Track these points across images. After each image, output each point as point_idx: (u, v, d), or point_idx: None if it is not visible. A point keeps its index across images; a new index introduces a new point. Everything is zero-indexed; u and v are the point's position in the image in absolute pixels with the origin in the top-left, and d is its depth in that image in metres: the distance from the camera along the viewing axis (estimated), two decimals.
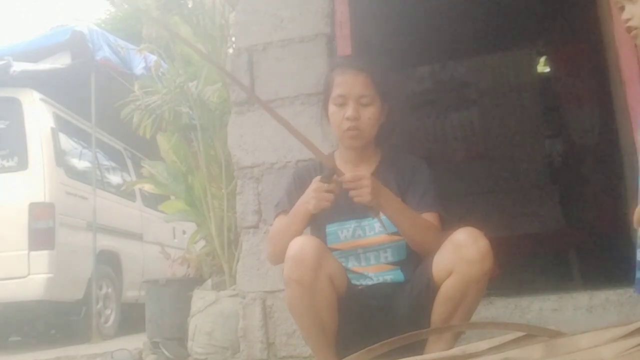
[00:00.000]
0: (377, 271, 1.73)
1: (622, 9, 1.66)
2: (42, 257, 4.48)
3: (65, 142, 5.17)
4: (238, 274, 2.68)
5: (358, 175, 1.57)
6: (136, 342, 3.77)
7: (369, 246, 1.73)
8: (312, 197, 1.58)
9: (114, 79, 4.95)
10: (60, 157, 4.90)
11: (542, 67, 5.89)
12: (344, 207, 1.65)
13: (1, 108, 4.81)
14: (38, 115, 4.83)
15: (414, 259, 1.72)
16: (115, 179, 6.03)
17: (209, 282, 3.18)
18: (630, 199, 2.89)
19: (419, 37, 4.47)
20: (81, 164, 5.40)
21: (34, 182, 4.60)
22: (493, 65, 5.25)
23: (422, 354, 1.23)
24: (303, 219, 1.65)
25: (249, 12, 2.81)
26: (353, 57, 2.44)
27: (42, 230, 4.52)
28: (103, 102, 4.83)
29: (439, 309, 1.57)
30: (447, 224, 1.70)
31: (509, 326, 1.08)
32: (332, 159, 1.68)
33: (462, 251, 1.52)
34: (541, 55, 5.62)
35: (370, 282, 1.72)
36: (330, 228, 1.75)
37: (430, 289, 1.58)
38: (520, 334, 1.02)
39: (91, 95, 5.13)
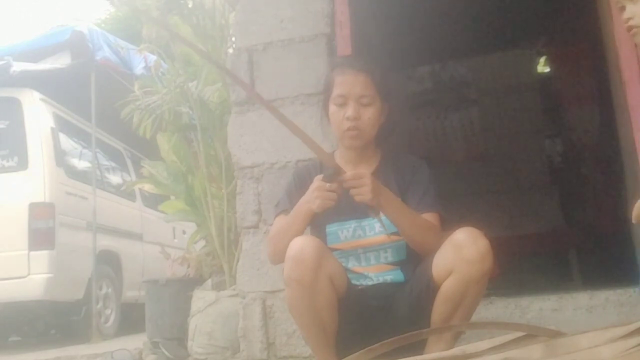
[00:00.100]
0: (377, 271, 1.73)
1: (623, 8, 1.66)
2: (42, 257, 4.48)
3: (65, 142, 5.17)
4: (238, 274, 2.68)
5: (359, 173, 1.57)
6: (136, 342, 3.77)
7: (369, 246, 1.73)
8: (315, 197, 1.57)
9: (114, 79, 4.95)
10: (60, 157, 4.90)
11: (542, 67, 5.89)
12: (344, 207, 1.65)
13: (1, 108, 4.81)
14: (38, 115, 4.83)
15: (414, 259, 1.72)
16: (115, 179, 6.03)
17: (209, 282, 3.18)
18: (631, 199, 2.89)
19: (419, 37, 4.47)
20: (81, 164, 5.40)
21: (34, 182, 4.60)
22: (493, 65, 5.25)
23: (422, 354, 1.23)
24: (305, 218, 1.64)
25: (249, 12, 2.81)
26: (353, 57, 2.44)
27: (42, 230, 4.52)
28: (103, 102, 4.83)
29: (438, 309, 1.57)
30: (447, 224, 1.70)
31: (509, 326, 1.08)
32: (333, 159, 1.69)
33: (462, 251, 1.52)
34: (541, 55, 5.62)
35: (370, 282, 1.72)
36: (331, 228, 1.75)
37: (430, 289, 1.58)
38: (520, 334, 1.02)
39: (91, 95, 5.13)
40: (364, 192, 1.54)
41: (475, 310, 1.62)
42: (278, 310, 2.54)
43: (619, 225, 3.53)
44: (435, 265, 1.58)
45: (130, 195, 6.06)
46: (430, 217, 1.70)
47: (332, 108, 1.76)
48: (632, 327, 0.96)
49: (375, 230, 1.72)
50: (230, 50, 3.31)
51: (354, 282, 1.70)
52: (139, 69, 5.16)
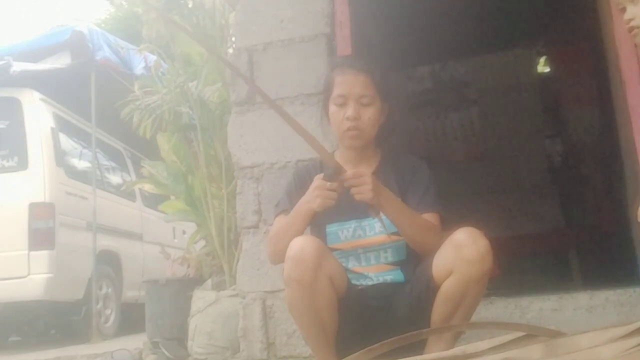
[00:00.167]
0: (377, 271, 1.73)
1: (624, 10, 1.66)
2: (42, 257, 4.48)
3: (65, 142, 5.17)
4: (238, 274, 2.68)
5: (359, 172, 1.57)
6: (136, 342, 3.77)
7: (369, 246, 1.73)
8: (316, 196, 1.57)
9: (114, 79, 4.95)
10: (60, 157, 4.90)
11: (542, 67, 5.89)
12: (344, 207, 1.65)
13: (1, 108, 4.81)
14: (38, 115, 4.83)
15: (414, 259, 1.72)
16: (115, 179, 6.03)
17: (209, 282, 3.18)
18: (631, 199, 2.90)
19: (419, 37, 4.47)
20: (81, 164, 5.40)
21: (34, 182, 4.60)
22: (493, 65, 5.25)
23: (422, 354, 1.23)
24: (305, 218, 1.64)
25: (249, 12, 2.81)
26: (353, 57, 2.44)
27: (42, 230, 4.52)
28: (103, 102, 4.83)
29: (438, 309, 1.57)
30: (447, 224, 1.70)
31: (509, 326, 1.08)
32: (334, 158, 1.69)
33: (462, 251, 1.52)
34: (541, 55, 5.62)
35: (370, 282, 1.72)
36: (331, 228, 1.75)
37: (430, 289, 1.58)
38: (520, 334, 1.02)
39: (91, 95, 5.13)
40: (364, 191, 1.54)
41: (475, 310, 1.62)
42: (278, 310, 2.54)
43: (619, 225, 3.53)
44: (435, 265, 1.58)
45: (130, 195, 6.06)
46: (430, 217, 1.70)
47: (332, 108, 1.76)
48: (632, 327, 0.97)
49: (375, 230, 1.72)
50: (230, 50, 3.31)
51: (354, 282, 1.70)
52: (139, 69, 5.16)
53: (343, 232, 1.75)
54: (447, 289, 1.55)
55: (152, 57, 3.98)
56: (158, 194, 4.18)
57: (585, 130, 4.60)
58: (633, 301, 2.26)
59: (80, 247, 4.85)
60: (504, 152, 5.08)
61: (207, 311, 2.86)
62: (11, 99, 4.80)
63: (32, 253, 4.47)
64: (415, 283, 1.64)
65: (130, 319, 5.51)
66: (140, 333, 3.99)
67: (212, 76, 3.41)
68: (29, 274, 4.44)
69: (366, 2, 3.11)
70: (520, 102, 5.16)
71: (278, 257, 1.69)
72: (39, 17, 27.74)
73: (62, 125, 5.14)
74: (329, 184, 1.56)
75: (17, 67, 4.69)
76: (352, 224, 1.74)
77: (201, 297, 2.94)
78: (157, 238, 5.50)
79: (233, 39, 3.24)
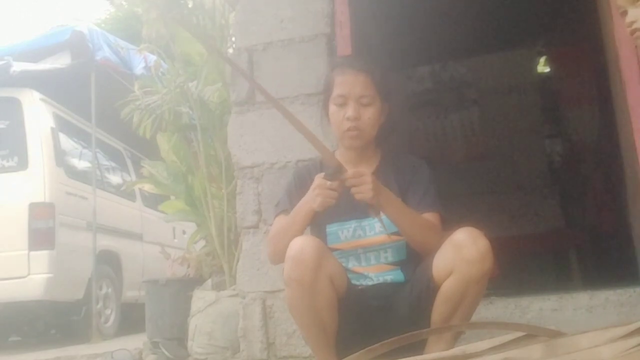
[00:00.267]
0: (377, 271, 1.73)
1: (625, 13, 1.66)
2: (42, 257, 4.48)
3: (65, 142, 5.17)
4: (238, 274, 2.68)
5: (359, 171, 1.57)
6: (136, 342, 3.77)
7: (369, 246, 1.73)
8: (317, 195, 1.57)
9: (114, 79, 4.95)
10: (60, 157, 4.90)
11: (542, 67, 5.89)
12: (344, 207, 1.65)
13: (1, 108, 4.81)
14: (38, 115, 4.83)
15: (414, 259, 1.72)
16: (115, 179, 6.03)
17: (209, 282, 3.18)
18: (631, 199, 2.90)
19: (419, 37, 4.47)
20: (81, 164, 5.40)
21: (34, 182, 4.60)
22: (493, 65, 5.25)
23: (422, 354, 1.23)
24: (305, 217, 1.64)
25: (249, 12, 2.81)
26: (353, 57, 2.44)
27: (42, 230, 4.52)
28: (103, 102, 4.83)
29: (439, 309, 1.57)
30: (447, 224, 1.70)
31: (509, 326, 1.08)
32: (334, 157, 1.69)
33: (462, 251, 1.52)
34: (541, 55, 5.62)
35: (370, 282, 1.72)
36: (331, 228, 1.75)
37: (430, 289, 1.58)
38: (520, 334, 1.02)
39: (91, 95, 5.13)
40: (364, 191, 1.54)
41: (475, 310, 1.62)
42: (278, 310, 2.54)
43: (619, 225, 3.53)
44: (435, 265, 1.58)
45: (130, 195, 6.06)
46: (430, 216, 1.70)
47: (332, 108, 1.76)
48: (632, 327, 0.97)
49: (375, 230, 1.72)
50: (230, 50, 3.31)
51: (354, 282, 1.70)
52: (139, 69, 5.16)
53: (343, 232, 1.75)
54: (447, 289, 1.55)
55: (152, 57, 3.98)
56: (158, 194, 4.18)
57: (585, 130, 4.60)
58: (633, 301, 2.25)
59: (80, 247, 4.85)
60: (504, 152, 5.08)
61: (207, 311, 2.86)
62: (11, 99, 4.80)
63: (32, 253, 4.47)
64: (415, 283, 1.64)
65: (130, 319, 5.51)
66: (140, 333, 3.99)
67: (212, 76, 3.41)
68: (29, 274, 4.44)
69: (366, 2, 3.11)
70: (520, 102, 5.16)
71: (278, 257, 1.69)
72: (39, 17, 27.75)
73: (62, 125, 5.14)
74: (329, 183, 1.56)
75: (17, 67, 4.69)
76: (352, 224, 1.74)
77: (201, 297, 2.94)
78: (157, 238, 5.50)
79: (233, 39, 3.24)
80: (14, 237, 4.47)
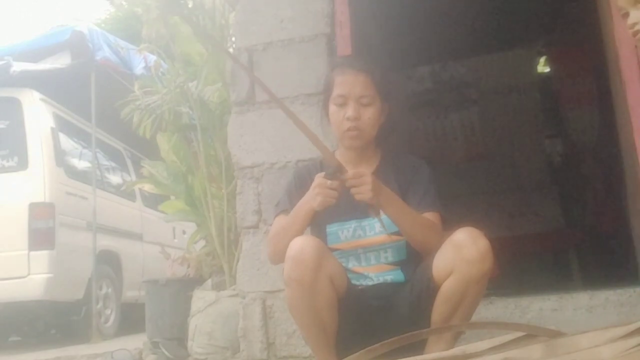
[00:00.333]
0: (377, 271, 1.73)
1: (627, 15, 1.66)
2: (42, 257, 4.48)
3: (65, 142, 5.16)
4: (238, 274, 2.68)
5: (359, 172, 1.57)
6: (136, 342, 3.77)
7: (369, 246, 1.73)
8: (317, 194, 1.57)
9: (114, 79, 4.95)
10: (60, 157, 4.90)
11: (542, 67, 5.89)
12: (344, 207, 1.65)
13: (1, 108, 4.81)
14: (38, 115, 4.83)
15: (414, 259, 1.72)
16: (115, 179, 6.03)
17: (209, 282, 3.18)
18: (631, 199, 2.90)
19: (419, 37, 4.47)
20: (81, 164, 5.40)
21: (34, 182, 4.60)
22: (493, 65, 5.25)
23: (422, 354, 1.23)
24: (305, 217, 1.64)
25: (249, 12, 2.81)
26: (353, 57, 2.44)
27: (42, 230, 4.52)
28: (103, 102, 4.83)
29: (439, 309, 1.57)
30: (447, 224, 1.70)
31: (509, 326, 1.08)
32: (335, 157, 1.69)
33: (462, 251, 1.52)
34: (541, 55, 5.62)
35: (370, 282, 1.72)
36: (331, 228, 1.75)
37: (430, 289, 1.58)
38: (520, 334, 1.02)
39: (91, 95, 5.13)
40: (364, 191, 1.54)
41: (475, 310, 1.62)
42: (278, 310, 2.54)
43: (619, 225, 3.53)
44: (435, 266, 1.58)
45: (130, 195, 6.06)
46: (431, 216, 1.70)
47: (332, 108, 1.76)
48: (632, 327, 0.97)
49: (375, 230, 1.72)
50: (231, 50, 3.31)
51: (354, 282, 1.70)
52: (139, 69, 5.16)
53: (343, 232, 1.75)
54: (447, 289, 1.55)
55: (152, 57, 3.98)
56: (158, 194, 4.18)
57: (585, 130, 4.60)
58: (633, 301, 2.25)
59: (80, 247, 4.85)
60: (504, 152, 5.08)
61: (207, 311, 2.86)
62: (11, 99, 4.80)
63: (32, 253, 4.47)
64: (416, 283, 1.64)
65: (130, 319, 5.51)
66: (140, 333, 3.99)
67: (212, 76, 3.41)
68: (29, 274, 4.44)
69: (366, 2, 3.11)
70: (520, 102, 5.16)
71: (278, 257, 1.69)
72: (39, 17, 27.74)
73: (62, 125, 5.14)
74: (329, 182, 1.56)
75: (17, 67, 4.69)
76: (352, 224, 1.74)
77: (201, 297, 2.94)
78: (157, 238, 5.50)
79: (233, 39, 3.24)
80: (14, 237, 4.47)
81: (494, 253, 1.53)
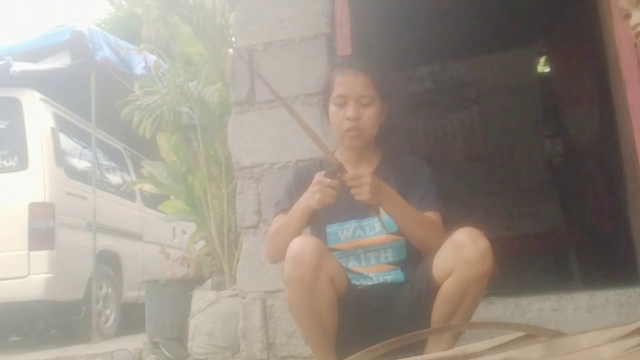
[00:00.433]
0: (377, 271, 1.73)
1: (629, 16, 1.66)
2: (42, 257, 4.48)
3: (65, 142, 5.16)
4: (238, 274, 2.68)
5: (358, 173, 1.57)
6: (136, 342, 3.77)
7: (369, 246, 1.73)
8: (315, 191, 1.57)
9: (114, 79, 4.94)
10: (60, 157, 4.90)
11: (542, 67, 5.89)
12: (344, 207, 1.66)
13: (1, 108, 4.81)
14: (38, 115, 4.83)
15: (414, 259, 1.72)
16: (115, 179, 6.03)
17: (209, 282, 3.18)
18: (631, 199, 2.90)
19: (419, 37, 4.47)
20: (81, 164, 5.40)
21: (34, 182, 4.60)
22: (493, 65, 5.26)
23: (422, 354, 1.23)
24: (303, 215, 1.64)
25: (249, 12, 2.81)
26: (353, 57, 2.44)
27: (42, 230, 4.52)
28: (103, 102, 4.83)
29: (439, 309, 1.57)
30: (448, 224, 1.70)
31: (509, 326, 1.08)
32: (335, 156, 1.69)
33: (462, 251, 1.52)
34: (541, 55, 5.62)
35: (370, 282, 1.72)
36: (331, 228, 1.75)
37: (430, 289, 1.58)
38: (520, 334, 1.02)
39: (91, 95, 5.13)
40: (363, 192, 1.54)
41: (475, 310, 1.62)
42: (278, 310, 2.54)
43: (619, 225, 3.53)
44: (435, 265, 1.58)
45: (130, 195, 6.06)
46: (432, 215, 1.70)
47: (332, 108, 1.76)
48: (632, 327, 0.96)
49: (375, 230, 1.72)
50: (231, 50, 3.30)
51: (354, 282, 1.70)
52: (139, 69, 5.16)
53: (343, 232, 1.75)
54: (447, 289, 1.55)
55: (152, 57, 3.98)
56: (158, 194, 4.18)
57: (585, 130, 4.60)
58: (633, 301, 2.25)
59: (80, 247, 4.85)
60: (504, 152, 5.08)
61: (207, 311, 2.86)
62: (11, 99, 4.80)
63: (32, 253, 4.47)
64: (416, 283, 1.64)
65: (130, 319, 5.50)
66: (140, 333, 3.99)
67: (212, 76, 3.41)
68: (29, 274, 4.43)
69: (366, 2, 3.11)
70: (520, 102, 5.16)
71: (277, 256, 1.69)
72: (39, 17, 27.74)
73: (62, 125, 5.14)
74: (329, 181, 1.56)
75: (17, 67, 4.68)
76: (352, 224, 1.74)
77: (201, 297, 2.94)
78: (157, 238, 5.50)
79: (233, 39, 3.24)
80: (14, 237, 4.47)
81: (494, 253, 1.53)
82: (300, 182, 1.79)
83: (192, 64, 3.67)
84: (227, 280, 3.10)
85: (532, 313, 2.33)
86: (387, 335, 1.06)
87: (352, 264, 1.74)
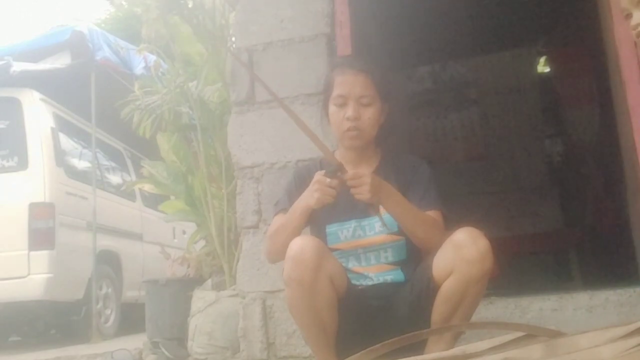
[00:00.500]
0: (377, 271, 1.73)
1: (630, 16, 1.66)
2: (42, 257, 4.48)
3: (65, 142, 5.16)
4: (238, 274, 2.68)
5: (359, 172, 1.57)
6: (136, 342, 3.77)
7: (369, 246, 1.73)
8: (315, 190, 1.57)
9: (114, 79, 4.95)
10: (60, 157, 4.90)
11: (542, 67, 5.89)
12: (344, 207, 1.66)
13: (1, 108, 4.81)
14: (38, 115, 4.83)
15: (414, 259, 1.72)
16: (115, 179, 6.03)
17: (209, 282, 3.18)
18: (631, 199, 2.90)
19: (419, 37, 4.47)
20: (81, 164, 5.40)
21: (34, 182, 4.60)
22: (493, 65, 5.26)
23: (422, 354, 1.23)
24: (302, 214, 1.64)
25: (249, 12, 2.81)
26: (353, 57, 2.44)
27: (42, 230, 4.51)
28: (103, 102, 4.83)
29: (439, 309, 1.57)
30: (448, 224, 1.70)
31: (509, 326, 1.08)
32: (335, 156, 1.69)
33: (462, 251, 1.52)
34: (541, 55, 5.62)
35: (370, 282, 1.72)
36: (331, 228, 1.75)
37: (430, 289, 1.58)
38: (520, 334, 1.02)
39: (91, 95, 5.13)
40: (362, 192, 1.54)
41: (475, 310, 1.62)
42: (278, 310, 2.54)
43: (619, 225, 3.53)
44: (435, 265, 1.58)
45: (130, 195, 6.06)
46: (432, 214, 1.70)
47: (332, 108, 1.76)
48: (632, 327, 0.96)
49: (375, 230, 1.72)
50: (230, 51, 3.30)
51: (354, 282, 1.70)
52: (139, 69, 5.16)
53: (343, 232, 1.75)
54: (447, 289, 1.55)
55: (152, 57, 3.98)
56: (158, 194, 4.18)
57: (585, 130, 4.60)
58: (633, 301, 2.25)
59: (80, 247, 4.85)
60: (504, 152, 5.08)
61: (207, 311, 2.86)
62: (11, 99, 4.80)
63: (32, 253, 4.47)
64: (416, 283, 1.64)
65: (130, 319, 5.50)
66: (140, 333, 3.99)
67: (212, 76, 3.41)
68: (29, 274, 4.43)
69: (366, 2, 3.11)
70: (520, 102, 5.16)
71: (276, 256, 1.69)
72: (39, 17, 27.74)
73: (62, 125, 5.14)
74: (328, 180, 1.56)
75: (17, 67, 4.68)
76: (352, 224, 1.74)
77: (201, 297, 2.94)
78: (157, 238, 5.50)
79: (233, 39, 3.24)
80: (14, 237, 4.47)
81: (494, 253, 1.53)
82: (300, 182, 1.79)
83: (192, 64, 3.67)
84: (227, 280, 3.10)
85: (532, 313, 2.33)
86: (387, 336, 1.06)
87: (352, 264, 1.74)
